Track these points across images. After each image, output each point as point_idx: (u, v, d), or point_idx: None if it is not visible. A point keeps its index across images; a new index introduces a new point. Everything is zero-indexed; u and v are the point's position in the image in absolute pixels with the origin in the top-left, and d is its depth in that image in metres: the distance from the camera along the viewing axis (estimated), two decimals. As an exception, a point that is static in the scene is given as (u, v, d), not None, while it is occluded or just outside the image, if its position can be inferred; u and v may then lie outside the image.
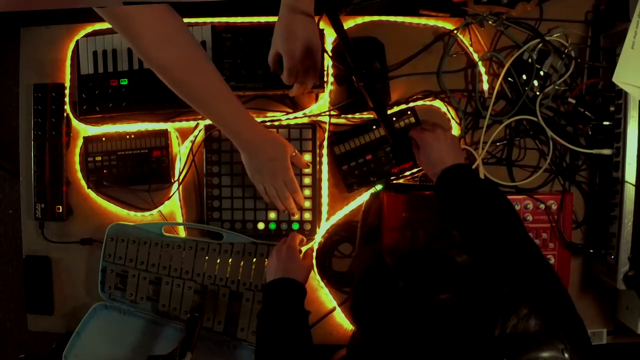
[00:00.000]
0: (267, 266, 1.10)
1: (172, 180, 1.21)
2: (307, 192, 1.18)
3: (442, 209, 1.02)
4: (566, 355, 0.59)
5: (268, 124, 1.19)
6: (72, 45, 1.22)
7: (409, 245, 1.12)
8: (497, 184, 1.16)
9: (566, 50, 1.13)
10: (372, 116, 1.17)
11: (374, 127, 1.16)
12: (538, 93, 1.14)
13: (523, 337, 0.60)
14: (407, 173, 1.17)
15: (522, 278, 0.85)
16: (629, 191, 1.06)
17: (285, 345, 0.95)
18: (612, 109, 1.09)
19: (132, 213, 1.23)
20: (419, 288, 0.66)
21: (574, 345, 0.76)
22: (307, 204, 1.19)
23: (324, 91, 1.16)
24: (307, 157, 1.18)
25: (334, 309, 1.21)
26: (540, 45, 1.14)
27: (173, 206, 1.23)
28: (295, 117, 1.19)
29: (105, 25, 1.21)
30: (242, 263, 1.16)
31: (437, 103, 1.18)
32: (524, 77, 1.14)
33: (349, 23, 1.17)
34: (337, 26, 0.88)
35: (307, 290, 1.05)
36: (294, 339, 0.96)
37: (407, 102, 1.18)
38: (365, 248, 1.14)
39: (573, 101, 1.12)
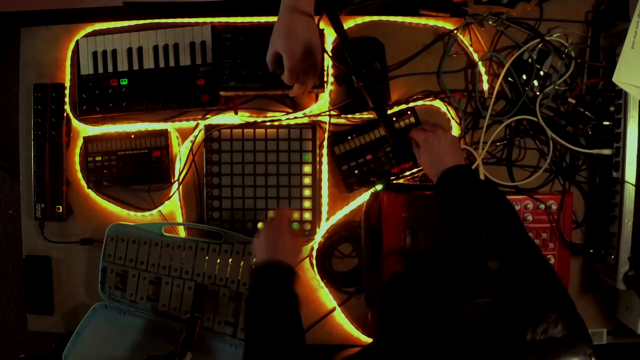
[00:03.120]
0: (255, 246, 1.06)
1: (172, 180, 1.21)
2: (307, 192, 1.18)
3: (442, 209, 1.02)
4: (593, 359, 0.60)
5: (268, 124, 1.19)
6: (72, 45, 1.22)
7: (426, 246, 1.12)
8: (497, 185, 1.16)
9: (566, 50, 1.13)
10: (372, 116, 1.17)
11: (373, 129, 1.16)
12: (538, 93, 1.14)
13: (553, 342, 0.61)
14: (407, 173, 1.17)
15: (523, 279, 0.85)
16: (629, 191, 1.06)
17: (274, 329, 0.93)
18: (612, 109, 1.09)
19: (132, 213, 1.23)
20: (455, 292, 0.66)
21: (580, 327, 0.76)
22: (307, 204, 1.19)
23: (324, 91, 1.16)
24: (307, 157, 1.18)
25: (334, 309, 1.21)
26: (540, 45, 1.14)
27: (173, 206, 1.23)
28: (295, 117, 1.19)
29: (105, 25, 1.21)
30: (242, 263, 1.16)
31: (437, 103, 1.18)
32: (524, 77, 1.14)
33: (349, 23, 1.17)
34: (337, 26, 0.88)
35: (297, 273, 1.02)
36: (284, 322, 0.94)
37: (407, 102, 1.18)
38: (392, 254, 1.13)
39: (573, 101, 1.12)
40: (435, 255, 0.80)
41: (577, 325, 0.79)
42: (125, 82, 1.18)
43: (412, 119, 1.16)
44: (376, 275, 1.15)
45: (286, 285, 0.99)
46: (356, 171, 1.17)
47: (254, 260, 1.04)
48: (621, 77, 1.03)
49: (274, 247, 1.02)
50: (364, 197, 1.19)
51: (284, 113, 1.20)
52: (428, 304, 0.68)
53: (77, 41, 1.21)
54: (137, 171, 1.20)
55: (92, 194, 1.23)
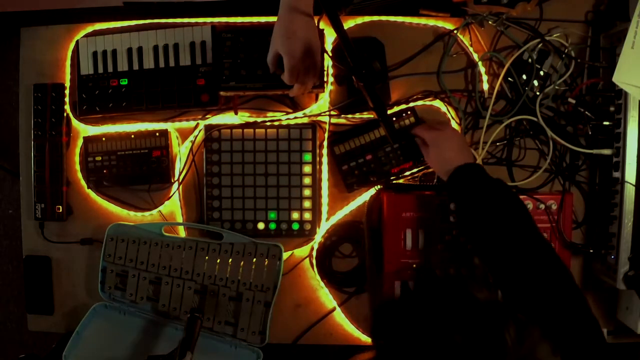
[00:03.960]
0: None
1: (172, 180, 1.21)
2: (307, 192, 1.18)
3: (456, 208, 1.00)
4: None
5: (268, 124, 1.19)
6: (72, 45, 1.22)
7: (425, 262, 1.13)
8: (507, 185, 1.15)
9: (566, 50, 1.13)
10: (372, 116, 1.17)
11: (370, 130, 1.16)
12: (538, 93, 1.14)
13: None
14: (407, 173, 1.17)
15: (535, 279, 0.85)
16: (629, 191, 1.06)
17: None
18: (612, 109, 1.09)
19: (132, 213, 1.23)
20: (435, 324, 0.67)
21: (588, 348, 0.76)
22: (307, 204, 1.19)
23: (324, 91, 1.16)
24: (307, 157, 1.18)
25: (333, 309, 1.21)
26: (540, 45, 1.14)
27: (173, 206, 1.23)
28: (295, 117, 1.19)
29: (105, 25, 1.21)
30: (242, 263, 1.16)
31: (437, 103, 1.18)
32: (524, 77, 1.14)
33: (349, 23, 1.17)
34: (337, 26, 0.87)
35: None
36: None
37: (407, 102, 1.18)
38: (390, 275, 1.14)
39: (573, 101, 1.12)
40: (427, 280, 0.81)
41: (587, 325, 0.78)
42: (125, 82, 1.18)
43: (412, 119, 1.16)
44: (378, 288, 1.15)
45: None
46: (356, 171, 1.17)
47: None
48: (621, 77, 1.02)
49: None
50: (364, 197, 1.19)
51: (284, 113, 1.20)
52: (411, 331, 0.68)
53: (77, 41, 1.21)
54: (137, 171, 1.20)
55: (92, 194, 1.23)
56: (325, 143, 1.19)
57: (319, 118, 1.19)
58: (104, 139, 1.20)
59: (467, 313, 0.68)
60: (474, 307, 0.69)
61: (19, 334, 2.07)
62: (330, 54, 1.15)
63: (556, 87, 1.14)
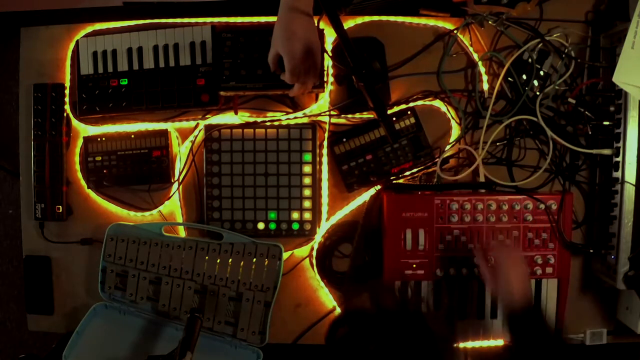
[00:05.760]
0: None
1: (172, 180, 1.21)
2: (307, 192, 1.18)
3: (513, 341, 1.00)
4: None
5: (268, 124, 1.19)
6: (72, 45, 1.22)
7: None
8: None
9: (566, 50, 1.13)
10: (372, 116, 1.17)
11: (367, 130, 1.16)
12: (538, 93, 1.14)
13: None
14: (407, 173, 1.17)
15: None
16: (629, 191, 1.06)
17: None
18: (612, 109, 1.09)
19: (132, 213, 1.23)
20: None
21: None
22: (307, 203, 1.19)
23: (324, 91, 1.16)
24: (307, 157, 1.18)
25: (333, 309, 1.21)
26: (540, 45, 1.14)
27: (173, 206, 1.23)
28: (295, 117, 1.19)
29: (105, 25, 1.21)
30: (242, 263, 1.16)
31: (437, 103, 1.18)
32: (524, 77, 1.14)
33: (349, 23, 1.17)
34: (337, 26, 0.88)
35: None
36: None
37: (407, 102, 1.18)
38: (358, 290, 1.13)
39: (573, 101, 1.12)
40: (381, 312, 0.84)
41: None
42: (125, 82, 1.18)
43: (412, 119, 1.16)
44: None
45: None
46: (356, 171, 1.17)
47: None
48: (621, 77, 1.03)
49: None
50: (364, 197, 1.19)
51: (284, 113, 1.20)
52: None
53: (77, 41, 1.21)
54: (137, 171, 1.20)
55: (92, 194, 1.23)
56: (325, 143, 1.19)
57: (319, 118, 1.19)
58: (104, 139, 1.20)
59: (423, 347, 0.71)
60: (429, 339, 0.72)
61: (19, 334, 2.07)
62: (330, 54, 1.15)
63: (556, 87, 1.14)
